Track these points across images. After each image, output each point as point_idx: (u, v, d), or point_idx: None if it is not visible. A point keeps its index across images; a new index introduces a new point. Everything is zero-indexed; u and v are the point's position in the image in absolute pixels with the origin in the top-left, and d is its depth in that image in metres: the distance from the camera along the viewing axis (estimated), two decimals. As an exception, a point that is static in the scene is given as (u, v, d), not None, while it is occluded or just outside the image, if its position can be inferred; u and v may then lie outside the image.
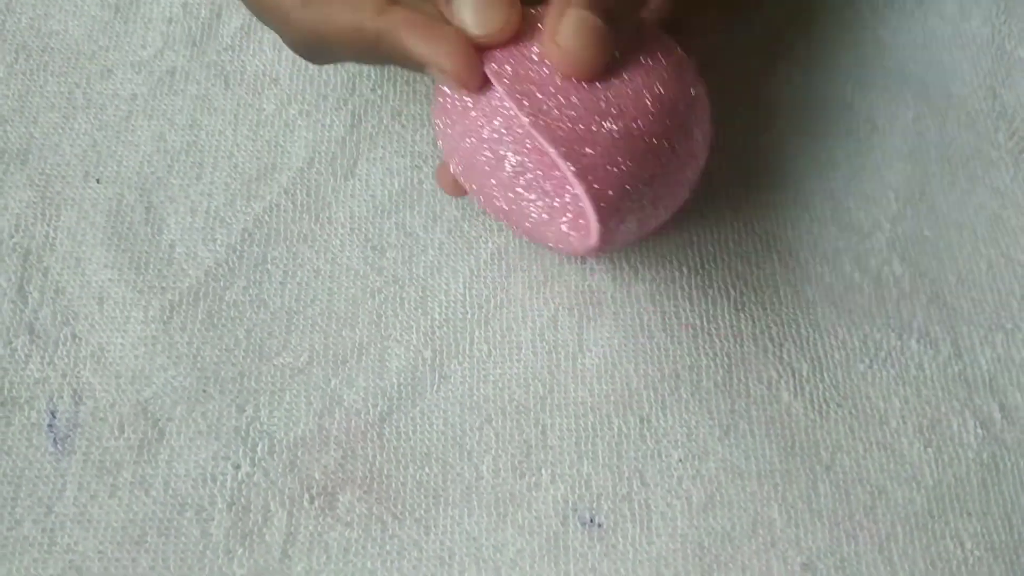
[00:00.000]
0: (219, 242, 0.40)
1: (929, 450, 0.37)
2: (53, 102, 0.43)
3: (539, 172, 0.34)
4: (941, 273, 0.41)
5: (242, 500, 0.35)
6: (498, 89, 0.32)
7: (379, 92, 0.44)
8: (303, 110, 0.43)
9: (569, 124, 0.31)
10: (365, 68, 0.45)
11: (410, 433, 0.37)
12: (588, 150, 0.31)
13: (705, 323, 0.39)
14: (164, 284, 0.39)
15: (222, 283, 0.39)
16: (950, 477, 0.37)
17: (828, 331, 0.39)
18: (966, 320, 0.40)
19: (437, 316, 0.39)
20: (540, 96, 0.31)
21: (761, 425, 0.37)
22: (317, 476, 0.36)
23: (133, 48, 0.44)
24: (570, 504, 0.36)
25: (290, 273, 0.39)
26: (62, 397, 0.36)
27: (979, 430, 0.38)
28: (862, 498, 0.36)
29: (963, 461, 0.37)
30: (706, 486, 0.36)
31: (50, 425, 0.36)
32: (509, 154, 0.34)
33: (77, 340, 0.38)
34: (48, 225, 0.40)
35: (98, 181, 0.41)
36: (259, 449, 0.36)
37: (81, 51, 0.44)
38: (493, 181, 0.34)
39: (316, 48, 0.34)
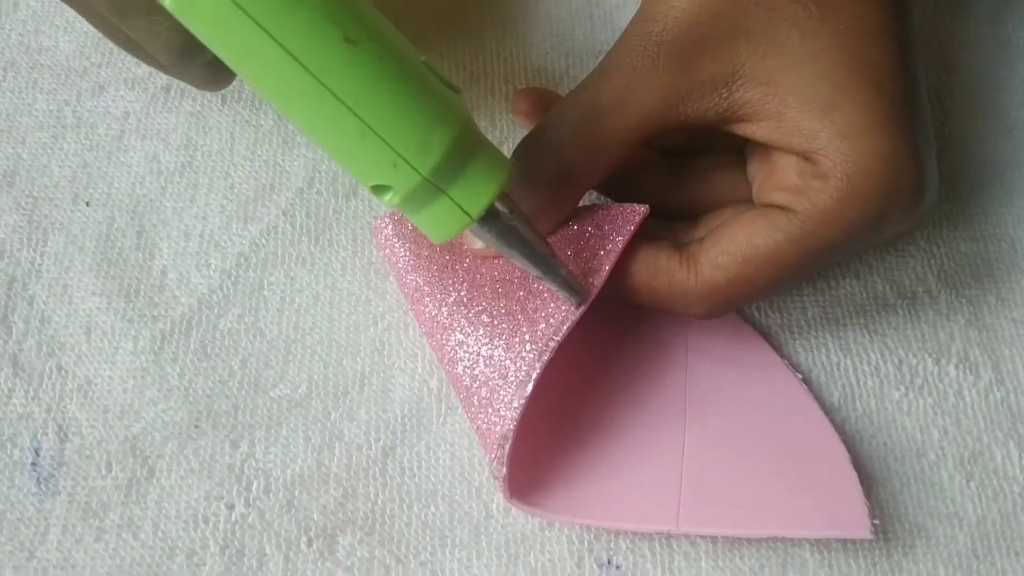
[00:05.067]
0: (213, 267, 0.38)
1: (971, 484, 0.35)
2: (42, 121, 0.41)
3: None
4: (980, 292, 0.39)
5: (236, 543, 0.33)
6: None
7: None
8: (303, 126, 0.42)
9: None
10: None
11: (415, 469, 0.35)
12: None
13: (728, 348, 0.37)
14: (155, 312, 0.37)
15: (216, 311, 0.37)
16: (995, 513, 0.35)
17: (860, 356, 0.37)
18: (1008, 343, 0.38)
19: (443, 343, 0.37)
20: None
21: (790, 458, 0.35)
22: (316, 517, 0.34)
23: (127, 65, 0.43)
24: (586, 544, 0.34)
25: (288, 299, 0.38)
26: (46, 434, 0.35)
27: (1025, 461, 0.36)
28: (900, 536, 0.34)
29: (1008, 496, 0.35)
30: (732, 524, 0.34)
31: (33, 463, 0.34)
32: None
33: (63, 373, 0.36)
34: (34, 251, 0.38)
35: (87, 204, 0.39)
36: (254, 488, 0.34)
37: (72, 68, 0.43)
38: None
39: None
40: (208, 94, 0.42)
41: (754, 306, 0.38)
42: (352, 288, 0.38)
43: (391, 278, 0.38)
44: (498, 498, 0.34)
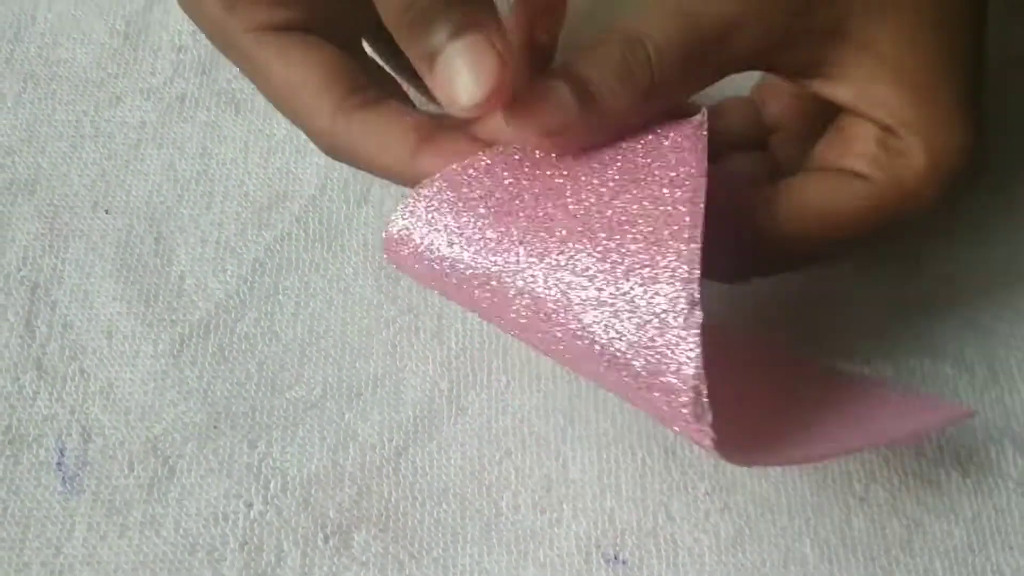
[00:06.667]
0: (230, 273, 0.39)
1: (967, 480, 0.36)
2: (61, 131, 0.42)
3: None
4: (975, 295, 0.40)
5: (254, 539, 0.34)
6: None
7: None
8: (315, 135, 0.43)
9: None
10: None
11: (427, 468, 0.36)
12: None
13: (730, 350, 0.38)
14: (174, 317, 0.38)
15: (233, 315, 0.38)
16: (990, 509, 0.35)
17: (859, 356, 0.38)
18: (1003, 343, 0.39)
19: (453, 346, 0.38)
20: None
21: (791, 456, 0.36)
22: (331, 514, 0.35)
23: (142, 75, 0.44)
24: (593, 540, 0.34)
25: (302, 304, 0.39)
26: (71, 434, 0.36)
27: (1019, 459, 0.36)
28: (898, 531, 0.35)
29: (1003, 491, 0.36)
30: (735, 520, 0.35)
31: (59, 463, 0.35)
32: None
33: (85, 375, 0.37)
34: (56, 257, 0.39)
35: (107, 212, 0.40)
36: (272, 486, 0.35)
37: (89, 79, 0.44)
38: None
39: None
40: (221, 104, 0.43)
41: (754, 306, 0.39)
42: (364, 292, 0.39)
43: (402, 282, 0.39)
44: (507, 496, 0.35)
